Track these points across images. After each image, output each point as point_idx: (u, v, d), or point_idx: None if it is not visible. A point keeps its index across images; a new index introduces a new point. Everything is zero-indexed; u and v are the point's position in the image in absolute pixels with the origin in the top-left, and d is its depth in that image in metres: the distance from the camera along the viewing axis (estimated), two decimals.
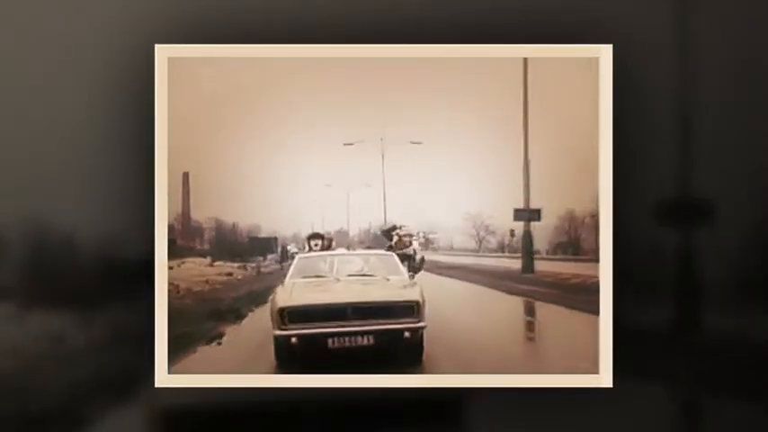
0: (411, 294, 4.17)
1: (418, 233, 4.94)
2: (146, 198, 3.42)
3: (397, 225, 4.96)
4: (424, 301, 4.10)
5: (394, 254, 4.87)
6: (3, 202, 3.42)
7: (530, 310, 4.20)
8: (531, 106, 4.02)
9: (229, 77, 3.84)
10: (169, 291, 3.41)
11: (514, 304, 4.28)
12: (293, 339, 3.90)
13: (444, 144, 4.15)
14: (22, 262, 3.48)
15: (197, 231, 4.65)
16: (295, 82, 3.94)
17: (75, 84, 3.40)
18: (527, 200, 3.89)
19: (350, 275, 4.63)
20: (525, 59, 3.89)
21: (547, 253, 4.27)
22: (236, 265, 4.71)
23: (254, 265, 4.83)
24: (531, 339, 3.96)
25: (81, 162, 3.43)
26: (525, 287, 4.14)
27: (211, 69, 3.69)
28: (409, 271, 4.91)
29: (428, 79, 3.95)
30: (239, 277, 4.57)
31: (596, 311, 3.44)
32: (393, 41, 3.40)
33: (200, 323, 3.97)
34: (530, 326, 4.17)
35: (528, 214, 3.86)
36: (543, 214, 3.89)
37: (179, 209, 4.24)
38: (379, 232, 5.14)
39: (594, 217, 3.70)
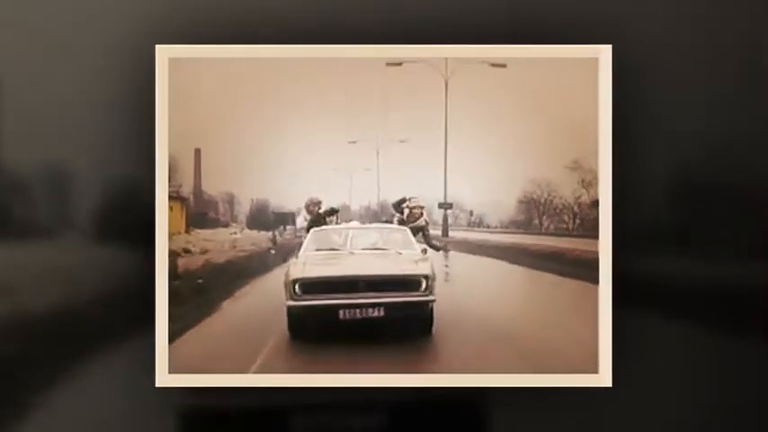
0: (422, 268, 4.27)
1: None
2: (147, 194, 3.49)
3: (407, 197, 4.98)
4: (434, 275, 4.21)
5: (407, 228, 4.90)
6: None
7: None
8: (514, 105, 4.14)
9: (230, 78, 3.89)
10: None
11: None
12: (305, 310, 4.04)
13: (428, 141, 4.55)
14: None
15: (213, 205, 5.03)
16: (296, 82, 4.04)
17: (74, 84, 3.45)
18: (445, 195, 4.78)
19: (364, 249, 4.71)
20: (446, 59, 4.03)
21: (495, 227, 5.19)
22: (271, 233, 5.22)
23: (286, 231, 5.24)
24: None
25: (80, 163, 3.50)
26: (435, 243, 5.08)
27: (213, 70, 3.71)
28: (426, 242, 4.99)
29: (424, 79, 4.07)
30: (288, 237, 5.27)
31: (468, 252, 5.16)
32: (393, 42, 3.41)
33: (290, 252, 4.73)
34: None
35: (445, 205, 4.88)
36: (504, 198, 4.91)
37: (190, 189, 4.58)
38: (377, 207, 5.19)
39: (547, 201, 4.61)
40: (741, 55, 3.36)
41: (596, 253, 3.47)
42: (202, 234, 4.55)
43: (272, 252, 4.79)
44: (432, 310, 4.17)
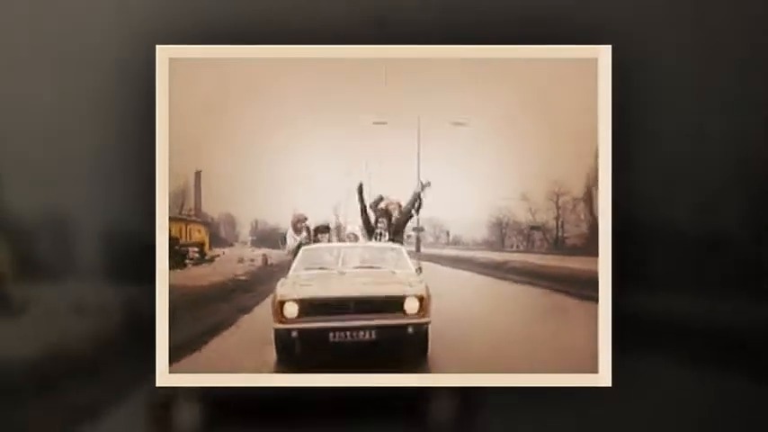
0: (416, 289, 4.03)
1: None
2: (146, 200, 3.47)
3: (383, 196, 4.99)
4: (429, 296, 3.99)
5: (402, 247, 4.78)
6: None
7: None
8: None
9: (230, 78, 3.90)
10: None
11: None
12: (293, 333, 3.83)
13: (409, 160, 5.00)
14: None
15: (214, 226, 5.27)
16: (296, 83, 4.03)
17: (75, 85, 3.41)
18: (417, 220, 5.20)
19: (356, 268, 4.54)
20: None
21: (468, 245, 5.97)
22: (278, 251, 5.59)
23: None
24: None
25: (81, 162, 3.44)
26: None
27: (213, 70, 3.73)
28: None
29: (423, 80, 4.16)
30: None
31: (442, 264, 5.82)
32: (394, 42, 3.38)
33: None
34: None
35: (418, 230, 5.32)
36: (478, 218, 5.59)
37: (192, 205, 4.71)
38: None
39: (507, 224, 5.55)
40: (741, 55, 3.31)
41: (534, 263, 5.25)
42: (223, 251, 5.35)
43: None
44: (426, 332, 3.96)
